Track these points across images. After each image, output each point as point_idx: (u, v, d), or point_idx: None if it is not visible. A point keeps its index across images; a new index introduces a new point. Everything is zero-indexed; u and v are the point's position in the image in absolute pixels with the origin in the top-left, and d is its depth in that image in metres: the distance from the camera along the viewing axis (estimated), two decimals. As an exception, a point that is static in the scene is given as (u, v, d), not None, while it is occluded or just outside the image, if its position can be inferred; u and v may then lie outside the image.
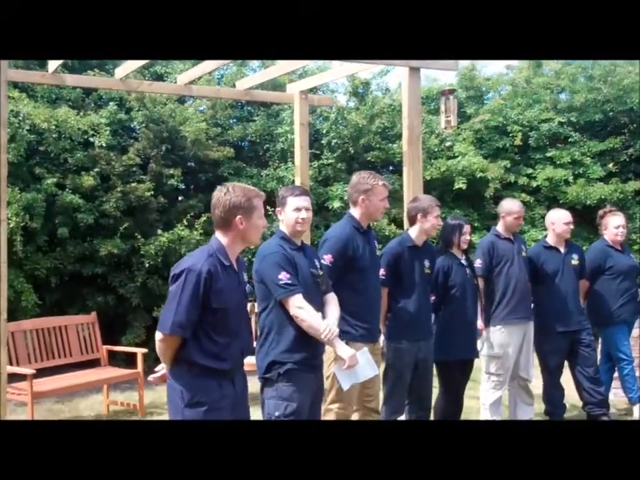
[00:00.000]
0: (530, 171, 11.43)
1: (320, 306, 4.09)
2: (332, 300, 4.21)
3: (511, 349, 5.86)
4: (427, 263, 5.13)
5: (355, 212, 4.73)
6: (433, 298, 5.33)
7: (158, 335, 3.40)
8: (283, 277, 3.92)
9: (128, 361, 8.11)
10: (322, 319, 3.98)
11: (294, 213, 4.10)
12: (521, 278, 5.94)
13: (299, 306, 3.90)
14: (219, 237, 3.51)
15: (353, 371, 4.08)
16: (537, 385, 6.34)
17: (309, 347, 3.97)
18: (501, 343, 5.85)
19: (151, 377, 3.69)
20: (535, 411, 6.23)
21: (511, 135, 11.45)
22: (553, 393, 6.27)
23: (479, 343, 5.78)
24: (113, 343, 8.18)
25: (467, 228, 5.58)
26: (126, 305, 9.30)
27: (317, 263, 4.21)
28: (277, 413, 3.91)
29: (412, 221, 5.17)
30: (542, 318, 6.10)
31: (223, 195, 3.45)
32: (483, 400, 5.99)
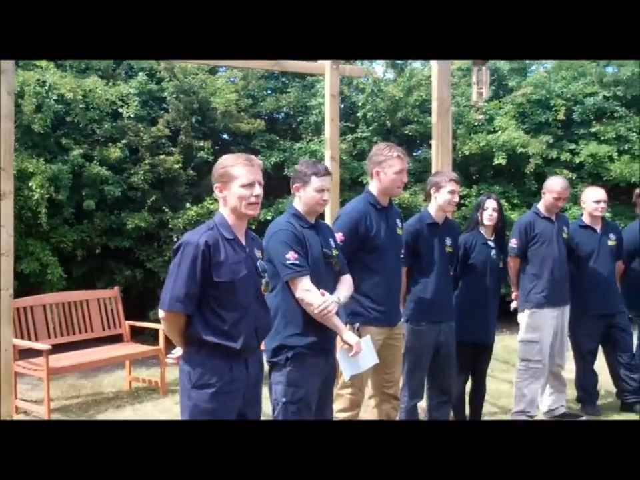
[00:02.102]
0: (573, 146, 10.90)
1: (332, 288, 3.85)
2: (345, 281, 3.98)
3: (545, 333, 5.56)
4: (448, 242, 4.88)
5: (372, 186, 4.47)
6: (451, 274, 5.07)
7: (160, 313, 3.26)
8: (291, 256, 3.70)
9: (157, 336, 8.00)
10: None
11: (317, 193, 3.85)
12: (559, 260, 5.61)
13: (305, 288, 3.68)
14: (221, 209, 3.36)
15: (355, 359, 3.86)
16: (569, 369, 6.08)
17: (318, 330, 3.75)
18: (534, 326, 5.56)
19: (168, 358, 3.57)
20: (567, 397, 5.96)
21: (554, 109, 10.93)
22: (586, 378, 6.05)
23: None
24: (141, 318, 8.07)
25: (489, 203, 5.29)
26: (155, 279, 9.15)
27: (332, 242, 3.98)
28: (284, 399, 3.72)
29: (428, 196, 4.92)
30: (576, 300, 5.81)
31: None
32: (517, 390, 5.67)
